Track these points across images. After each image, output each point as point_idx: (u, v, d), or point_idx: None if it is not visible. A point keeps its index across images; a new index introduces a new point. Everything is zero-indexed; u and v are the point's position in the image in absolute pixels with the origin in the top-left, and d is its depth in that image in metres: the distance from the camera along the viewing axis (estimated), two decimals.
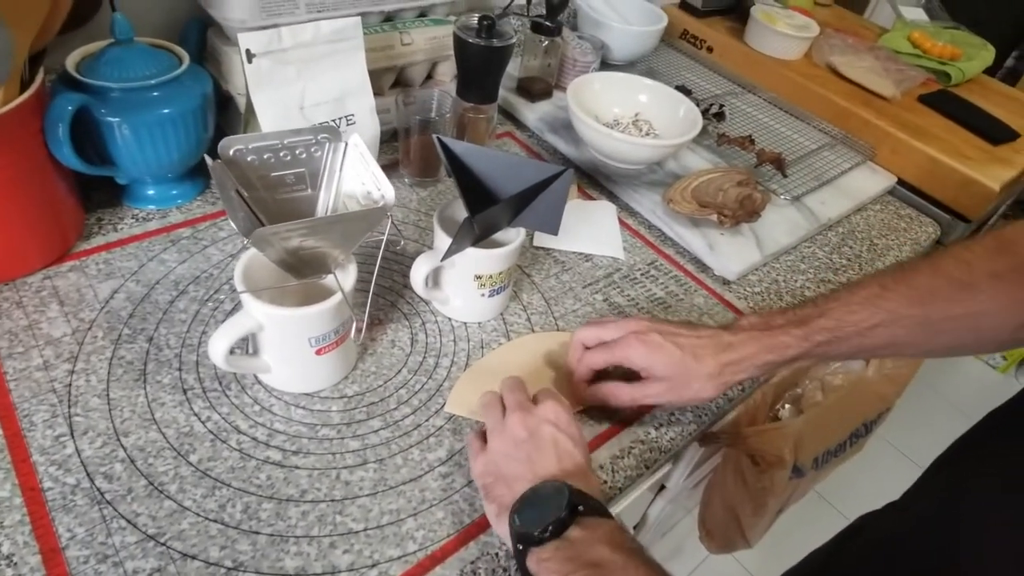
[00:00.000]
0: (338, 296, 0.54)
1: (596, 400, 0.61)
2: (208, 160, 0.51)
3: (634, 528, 0.83)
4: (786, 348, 0.57)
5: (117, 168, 0.70)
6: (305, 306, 0.53)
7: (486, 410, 0.55)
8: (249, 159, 0.53)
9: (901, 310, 0.54)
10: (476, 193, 0.63)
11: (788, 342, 0.57)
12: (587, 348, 0.62)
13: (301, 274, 0.55)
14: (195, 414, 0.57)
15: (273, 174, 0.55)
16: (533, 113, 1.00)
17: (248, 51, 0.66)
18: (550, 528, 0.45)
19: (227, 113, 0.79)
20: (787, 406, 0.93)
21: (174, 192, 0.76)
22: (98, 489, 0.51)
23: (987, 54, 1.34)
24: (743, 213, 0.83)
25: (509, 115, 1.03)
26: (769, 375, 0.57)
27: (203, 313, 0.65)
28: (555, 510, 0.45)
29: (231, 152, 0.52)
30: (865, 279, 0.58)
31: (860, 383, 0.97)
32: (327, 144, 0.56)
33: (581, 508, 0.46)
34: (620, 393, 0.60)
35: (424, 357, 0.65)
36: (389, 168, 0.87)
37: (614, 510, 0.68)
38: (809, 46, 1.26)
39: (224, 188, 0.49)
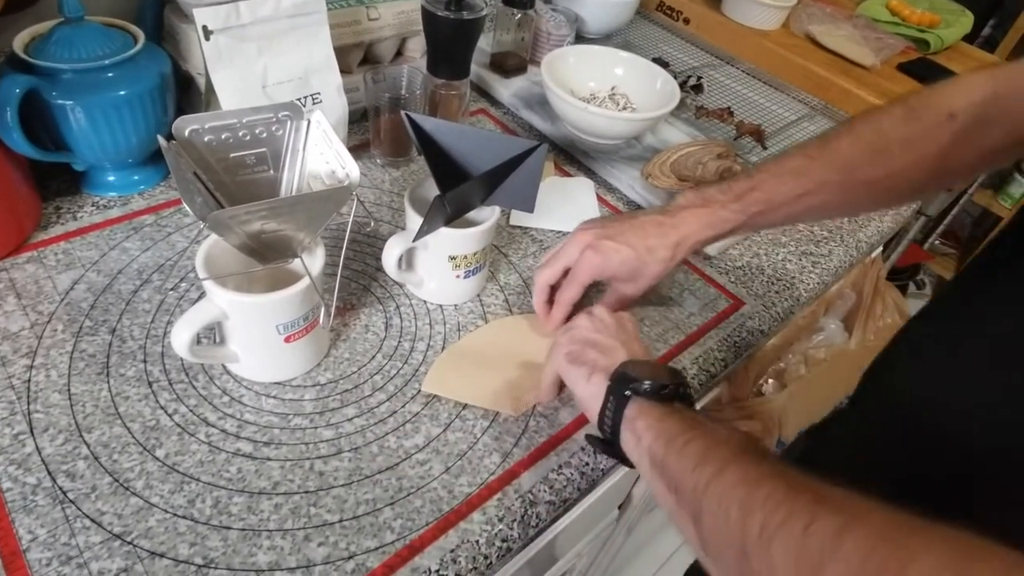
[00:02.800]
0: (305, 281, 0.52)
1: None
2: (162, 141, 0.48)
3: (619, 508, 0.82)
4: (725, 222, 0.61)
5: (73, 154, 0.67)
6: (271, 292, 0.51)
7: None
8: (206, 139, 0.51)
9: (826, 177, 0.59)
10: (448, 171, 0.61)
11: (727, 216, 0.61)
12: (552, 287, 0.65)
13: (266, 259, 0.53)
14: (161, 407, 0.55)
15: (232, 155, 0.53)
16: (507, 89, 0.98)
17: (205, 28, 0.63)
18: (667, 388, 0.47)
19: (189, 94, 0.76)
20: (770, 381, 0.92)
21: (135, 178, 0.73)
22: (60, 488, 0.49)
23: (966, 20, 1.32)
24: None
25: (483, 92, 1.01)
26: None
27: (168, 302, 0.63)
28: (668, 379, 0.48)
29: (186, 133, 0.50)
30: (790, 150, 0.63)
31: (843, 356, 0.96)
32: (288, 122, 0.53)
33: (682, 391, 0.48)
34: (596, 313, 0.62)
35: (399, 342, 0.63)
36: (360, 148, 0.85)
37: (597, 492, 0.67)
38: (787, 16, 1.24)
39: (179, 171, 0.47)
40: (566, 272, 0.63)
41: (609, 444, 0.49)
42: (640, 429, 0.46)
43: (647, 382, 0.47)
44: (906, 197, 0.63)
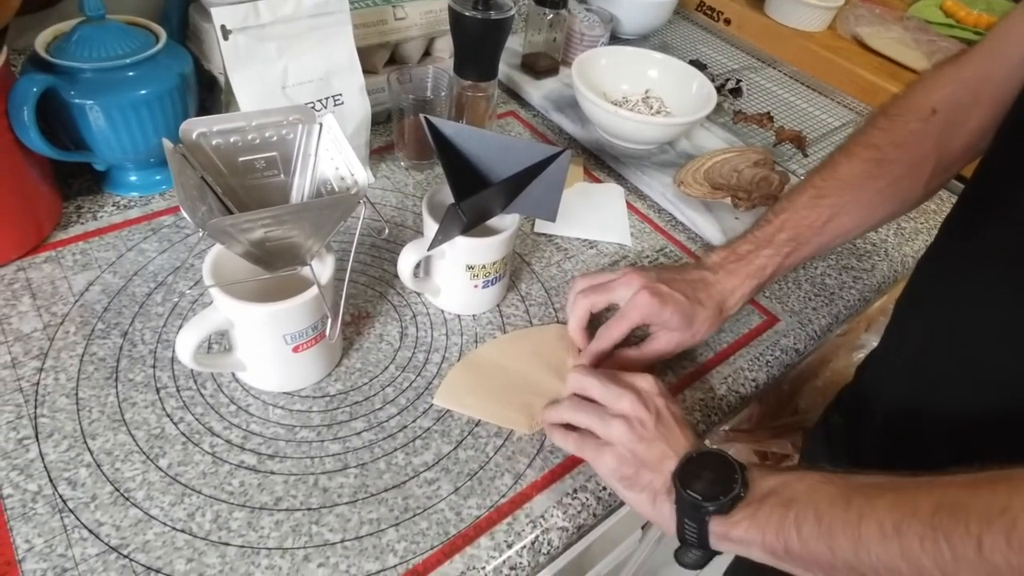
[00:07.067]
0: (313, 290, 0.50)
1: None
2: (167, 144, 0.47)
3: (642, 528, 0.79)
4: (764, 269, 0.61)
5: (92, 153, 0.66)
6: (277, 301, 0.49)
7: (581, 412, 0.52)
8: (214, 143, 0.49)
9: (841, 199, 0.61)
10: (467, 177, 0.59)
11: (764, 263, 0.61)
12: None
13: (273, 266, 0.51)
14: (167, 415, 0.54)
15: (241, 159, 0.51)
16: (538, 91, 0.95)
17: (223, 27, 0.61)
18: (736, 494, 0.45)
19: (213, 94, 0.75)
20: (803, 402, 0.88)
21: (157, 178, 0.73)
22: (61, 496, 0.48)
23: None
24: (759, 196, 0.77)
25: (513, 93, 0.98)
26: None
27: (181, 306, 0.62)
28: (728, 478, 0.46)
29: (194, 136, 0.48)
30: (799, 185, 0.64)
31: None
32: (299, 126, 0.52)
33: (745, 469, 0.47)
34: (631, 357, 0.61)
35: (413, 352, 0.61)
36: (385, 150, 0.83)
37: (616, 516, 0.64)
38: (834, 17, 1.19)
39: (180, 176, 0.45)
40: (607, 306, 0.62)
41: (703, 552, 0.48)
42: (738, 537, 0.45)
43: (720, 499, 0.45)
44: (919, 196, 0.63)
